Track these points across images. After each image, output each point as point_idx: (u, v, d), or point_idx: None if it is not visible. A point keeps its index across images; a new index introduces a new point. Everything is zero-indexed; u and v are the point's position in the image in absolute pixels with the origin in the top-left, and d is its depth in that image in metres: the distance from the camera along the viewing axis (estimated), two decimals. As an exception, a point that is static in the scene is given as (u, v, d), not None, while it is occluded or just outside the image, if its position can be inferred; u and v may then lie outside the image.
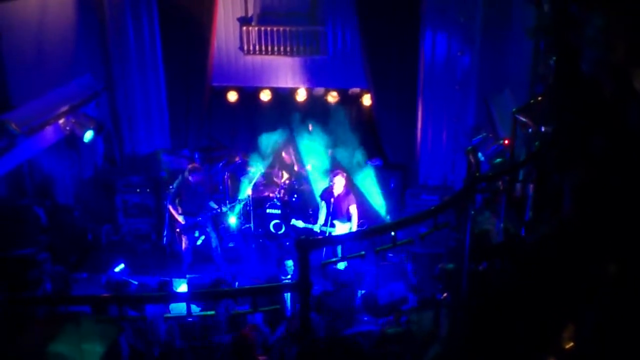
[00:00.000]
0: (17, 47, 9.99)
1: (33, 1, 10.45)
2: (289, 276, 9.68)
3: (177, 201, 11.39)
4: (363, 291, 10.63)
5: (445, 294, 7.42)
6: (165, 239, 11.73)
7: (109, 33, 12.89)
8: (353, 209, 10.93)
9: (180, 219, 11.28)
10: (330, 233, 10.88)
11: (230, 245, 12.45)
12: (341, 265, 10.44)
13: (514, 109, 7.58)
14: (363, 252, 5.10)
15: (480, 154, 10.34)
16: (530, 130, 7.28)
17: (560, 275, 5.17)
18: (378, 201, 12.74)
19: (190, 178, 11.36)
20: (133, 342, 8.16)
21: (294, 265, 9.71)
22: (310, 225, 11.22)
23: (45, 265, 10.19)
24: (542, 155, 6.60)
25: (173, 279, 10.76)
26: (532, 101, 7.71)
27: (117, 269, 10.74)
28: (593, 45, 5.14)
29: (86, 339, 6.30)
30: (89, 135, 11.25)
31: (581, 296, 4.81)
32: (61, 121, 10.93)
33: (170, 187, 11.73)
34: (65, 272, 10.59)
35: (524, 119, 7.38)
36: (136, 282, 10.18)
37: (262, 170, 13.08)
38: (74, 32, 11.92)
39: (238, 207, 12.65)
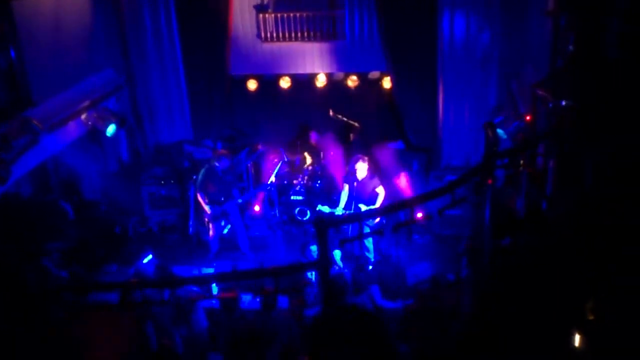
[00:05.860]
0: (36, 43, 10.04)
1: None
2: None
3: (204, 189, 11.32)
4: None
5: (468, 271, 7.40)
6: (191, 228, 11.75)
7: (127, 27, 12.99)
8: (380, 190, 10.80)
9: (207, 208, 11.22)
10: (354, 217, 10.83)
11: (256, 233, 12.48)
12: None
13: (532, 84, 7.50)
14: (382, 230, 5.07)
15: (502, 131, 10.27)
16: (550, 104, 7.19)
17: (580, 250, 5.13)
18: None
19: (217, 165, 11.31)
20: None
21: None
22: (336, 210, 11.17)
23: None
24: (563, 129, 6.53)
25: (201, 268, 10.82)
26: (550, 75, 7.63)
27: (145, 260, 10.83)
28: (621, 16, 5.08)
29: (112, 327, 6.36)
30: (111, 129, 11.33)
31: (602, 270, 4.77)
32: (83, 116, 11.01)
33: (194, 176, 11.67)
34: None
35: (543, 93, 7.30)
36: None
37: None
38: (92, 26, 12.00)
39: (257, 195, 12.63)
